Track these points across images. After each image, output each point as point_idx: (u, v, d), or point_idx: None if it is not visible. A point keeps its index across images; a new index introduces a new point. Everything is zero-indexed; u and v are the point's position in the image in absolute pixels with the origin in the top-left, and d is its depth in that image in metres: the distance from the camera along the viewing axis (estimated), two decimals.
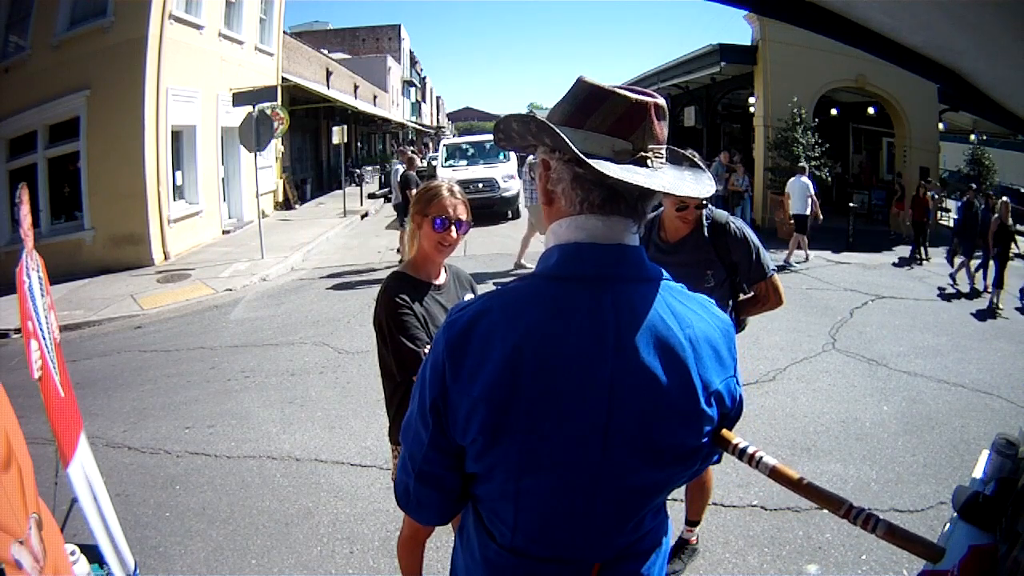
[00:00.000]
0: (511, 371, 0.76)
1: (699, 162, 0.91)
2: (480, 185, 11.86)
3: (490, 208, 11.78)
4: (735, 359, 0.88)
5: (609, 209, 0.81)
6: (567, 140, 0.77)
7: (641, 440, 0.79)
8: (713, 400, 0.83)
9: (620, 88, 0.82)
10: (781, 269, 8.25)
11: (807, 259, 8.68)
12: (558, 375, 0.77)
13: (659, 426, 0.79)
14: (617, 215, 0.82)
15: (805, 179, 8.67)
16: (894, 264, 9.20)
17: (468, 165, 13.21)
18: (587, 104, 0.81)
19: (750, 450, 0.88)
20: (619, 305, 0.79)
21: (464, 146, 14.75)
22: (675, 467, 0.84)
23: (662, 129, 0.82)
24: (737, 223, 2.26)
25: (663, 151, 0.83)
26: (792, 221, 8.78)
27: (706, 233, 2.24)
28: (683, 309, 0.83)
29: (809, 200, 8.50)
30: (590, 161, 0.76)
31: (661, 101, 0.82)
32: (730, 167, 11.73)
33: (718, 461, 0.97)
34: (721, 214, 2.28)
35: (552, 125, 0.79)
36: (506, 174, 12.23)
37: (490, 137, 14.38)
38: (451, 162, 13.61)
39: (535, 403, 0.77)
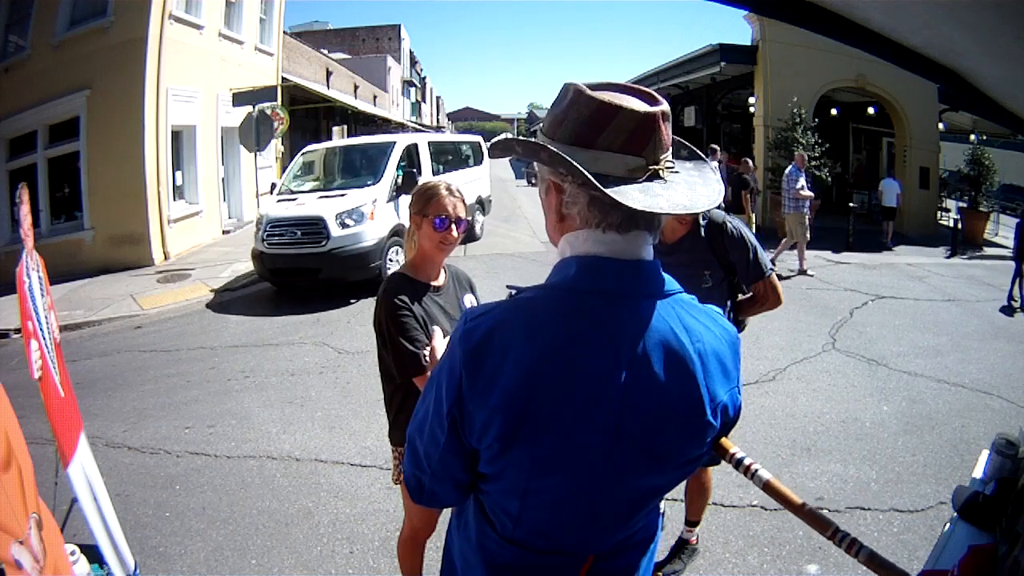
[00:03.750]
0: (528, 383, 0.77)
1: (696, 150, 0.91)
2: (297, 232, 6.81)
3: (302, 275, 6.93)
4: (739, 370, 0.90)
5: (628, 227, 0.81)
6: (585, 172, 0.75)
7: (648, 449, 0.81)
8: (719, 411, 0.84)
9: (620, 95, 0.80)
10: (881, 248, 10.36)
11: (891, 238, 10.91)
12: (573, 387, 0.78)
13: (666, 436, 0.81)
14: (636, 230, 0.82)
15: (893, 180, 11.30)
16: (1002, 310, 6.73)
17: (320, 190, 7.86)
18: (595, 122, 0.78)
19: (746, 462, 0.89)
20: (635, 321, 0.80)
21: (336, 152, 9.05)
22: (677, 472, 0.87)
23: (668, 135, 0.82)
24: (734, 223, 2.25)
25: (671, 157, 0.83)
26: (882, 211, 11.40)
27: (703, 233, 2.24)
28: (694, 323, 0.84)
29: (896, 196, 11.03)
30: (609, 191, 0.74)
31: (666, 106, 0.81)
32: (732, 165, 11.74)
33: (718, 462, 0.98)
34: (718, 214, 2.27)
35: (562, 153, 0.77)
36: (351, 208, 6.88)
37: (385, 139, 9.02)
38: (299, 182, 8.31)
39: (550, 414, 0.78)
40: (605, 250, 0.81)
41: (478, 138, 12.41)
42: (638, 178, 0.78)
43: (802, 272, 7.93)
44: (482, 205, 11.34)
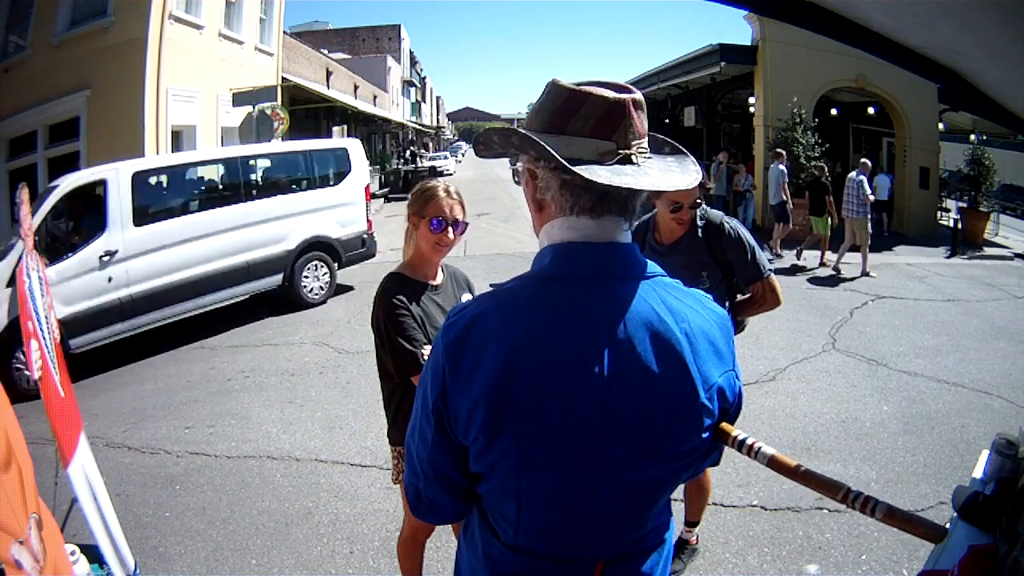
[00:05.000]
0: (507, 371, 0.77)
1: (680, 147, 0.92)
2: None
3: None
4: (733, 353, 0.89)
5: (600, 211, 0.82)
6: (552, 151, 0.77)
7: (640, 437, 0.80)
8: (714, 394, 0.83)
9: (595, 87, 0.82)
10: (880, 247, 9.98)
11: (889, 227, 11.61)
12: (553, 374, 0.77)
13: (658, 422, 0.80)
14: (608, 215, 0.83)
15: (886, 176, 11.81)
16: None
17: None
18: (566, 109, 0.81)
19: (749, 441, 0.89)
20: (612, 303, 0.80)
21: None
22: (676, 464, 0.84)
23: (642, 123, 0.83)
24: (732, 223, 2.25)
25: (645, 144, 0.84)
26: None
27: (700, 234, 2.24)
28: (678, 304, 0.83)
29: (888, 189, 11.51)
30: (576, 169, 0.76)
31: (639, 95, 0.83)
32: (732, 168, 11.76)
33: (717, 462, 0.98)
34: (716, 214, 2.27)
35: (534, 136, 0.80)
36: None
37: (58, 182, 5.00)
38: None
39: (531, 402, 0.78)
40: (578, 235, 0.82)
41: (346, 144, 7.55)
42: (608, 161, 0.80)
43: (865, 274, 7.98)
44: (332, 252, 6.98)
